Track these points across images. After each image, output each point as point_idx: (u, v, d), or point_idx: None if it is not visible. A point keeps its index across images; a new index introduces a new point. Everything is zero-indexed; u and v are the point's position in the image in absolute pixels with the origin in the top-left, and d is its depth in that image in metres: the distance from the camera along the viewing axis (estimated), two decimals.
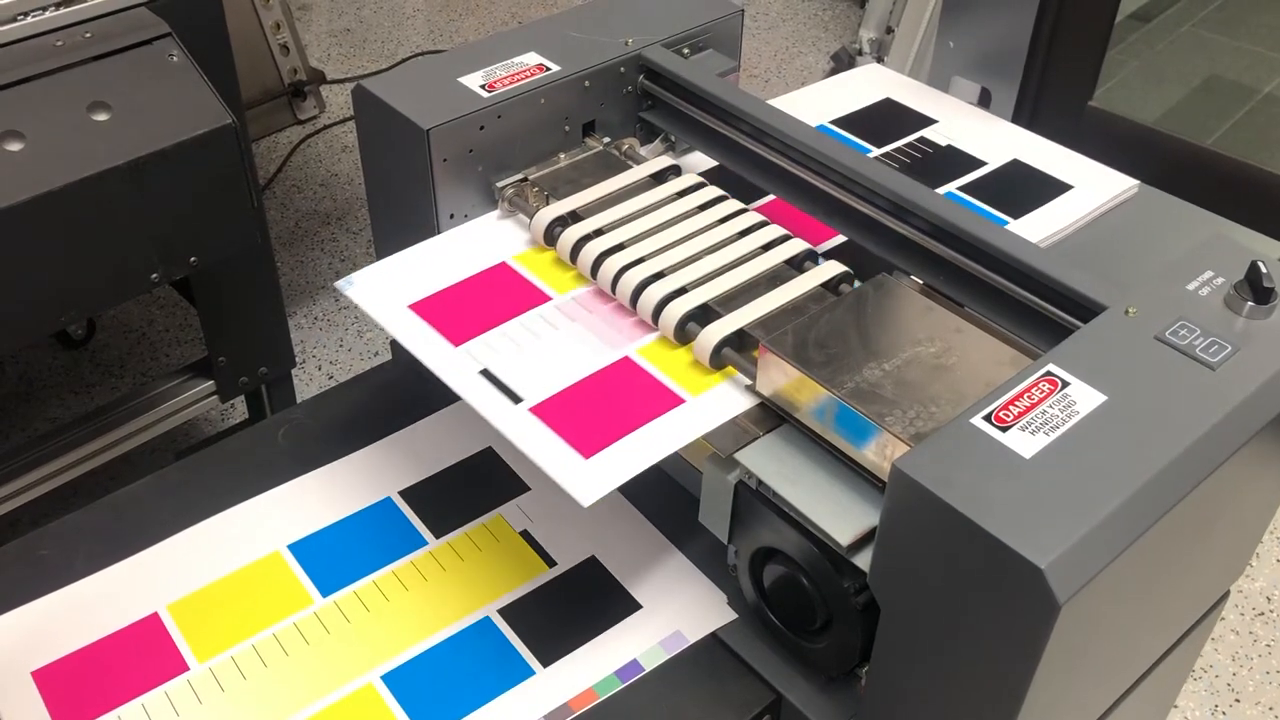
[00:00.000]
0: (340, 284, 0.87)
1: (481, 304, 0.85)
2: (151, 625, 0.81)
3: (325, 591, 0.83)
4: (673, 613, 0.81)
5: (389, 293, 0.86)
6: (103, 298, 1.19)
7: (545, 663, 0.78)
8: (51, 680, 0.77)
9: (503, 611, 0.82)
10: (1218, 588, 0.83)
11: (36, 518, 1.49)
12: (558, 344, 0.81)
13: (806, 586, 0.74)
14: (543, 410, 0.76)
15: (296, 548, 0.86)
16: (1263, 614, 1.49)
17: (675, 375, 0.79)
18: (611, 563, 0.85)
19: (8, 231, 1.00)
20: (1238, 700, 1.40)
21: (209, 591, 0.83)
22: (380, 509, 0.89)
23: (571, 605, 0.82)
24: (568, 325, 0.83)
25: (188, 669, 0.78)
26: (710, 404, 0.76)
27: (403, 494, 0.90)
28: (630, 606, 0.82)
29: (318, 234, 2.06)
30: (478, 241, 0.91)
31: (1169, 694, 0.95)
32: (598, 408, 0.76)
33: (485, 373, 0.79)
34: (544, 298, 0.85)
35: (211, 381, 1.39)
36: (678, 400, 0.77)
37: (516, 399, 0.77)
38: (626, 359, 0.80)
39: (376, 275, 0.88)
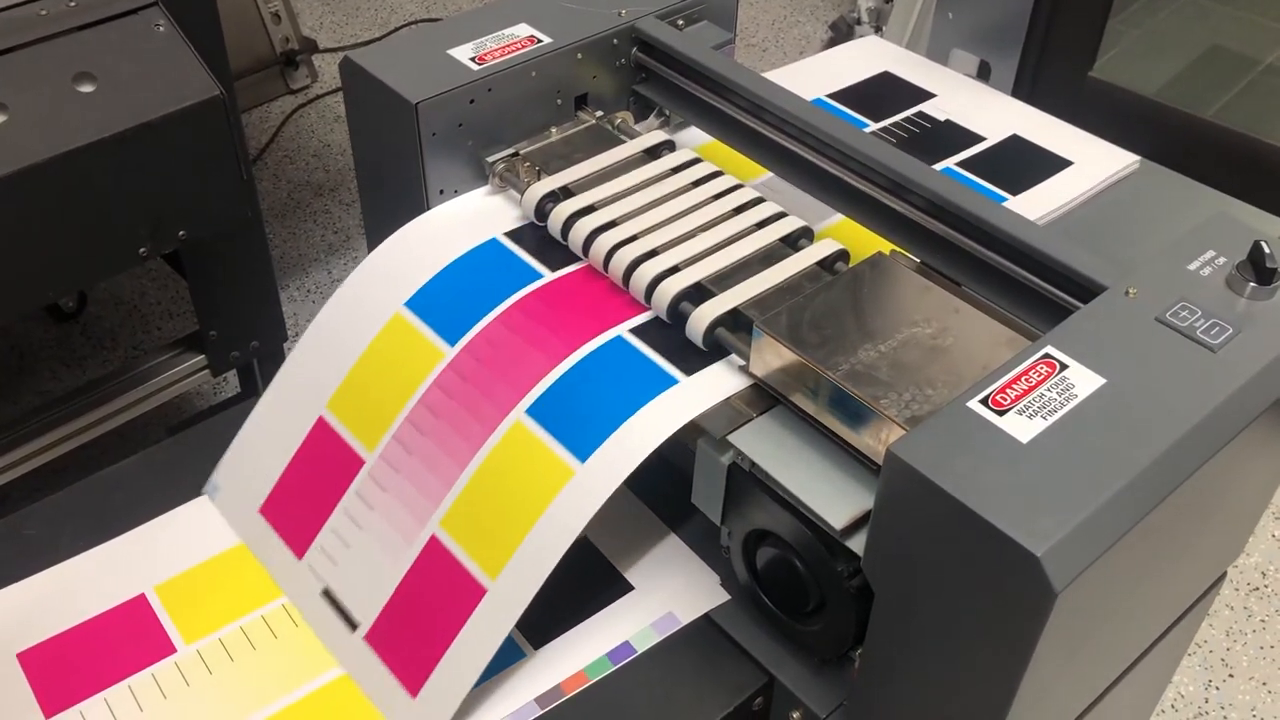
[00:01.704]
0: (207, 490, 0.87)
1: (313, 487, 0.83)
2: (138, 606, 0.80)
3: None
4: (665, 594, 0.81)
5: (244, 496, 0.85)
6: (90, 272, 1.18)
7: (536, 645, 0.78)
8: (37, 662, 0.77)
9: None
10: (1215, 569, 0.83)
11: (29, 492, 1.49)
12: (376, 533, 0.79)
13: (800, 569, 0.73)
14: (376, 635, 0.76)
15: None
16: (1257, 589, 1.49)
17: (478, 549, 0.75)
18: (604, 544, 0.84)
19: None
20: (1231, 675, 1.40)
21: (197, 572, 0.82)
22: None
23: (563, 587, 0.81)
24: (381, 500, 0.80)
25: (175, 651, 0.77)
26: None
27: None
28: (622, 588, 0.81)
29: (310, 205, 2.05)
30: (291, 402, 0.87)
31: (1165, 673, 0.94)
32: (419, 618, 0.75)
33: (326, 593, 0.79)
34: (358, 463, 0.82)
35: (203, 356, 1.38)
36: (479, 591, 0.74)
37: (353, 624, 0.77)
38: (434, 540, 0.77)
39: (233, 468, 0.87)
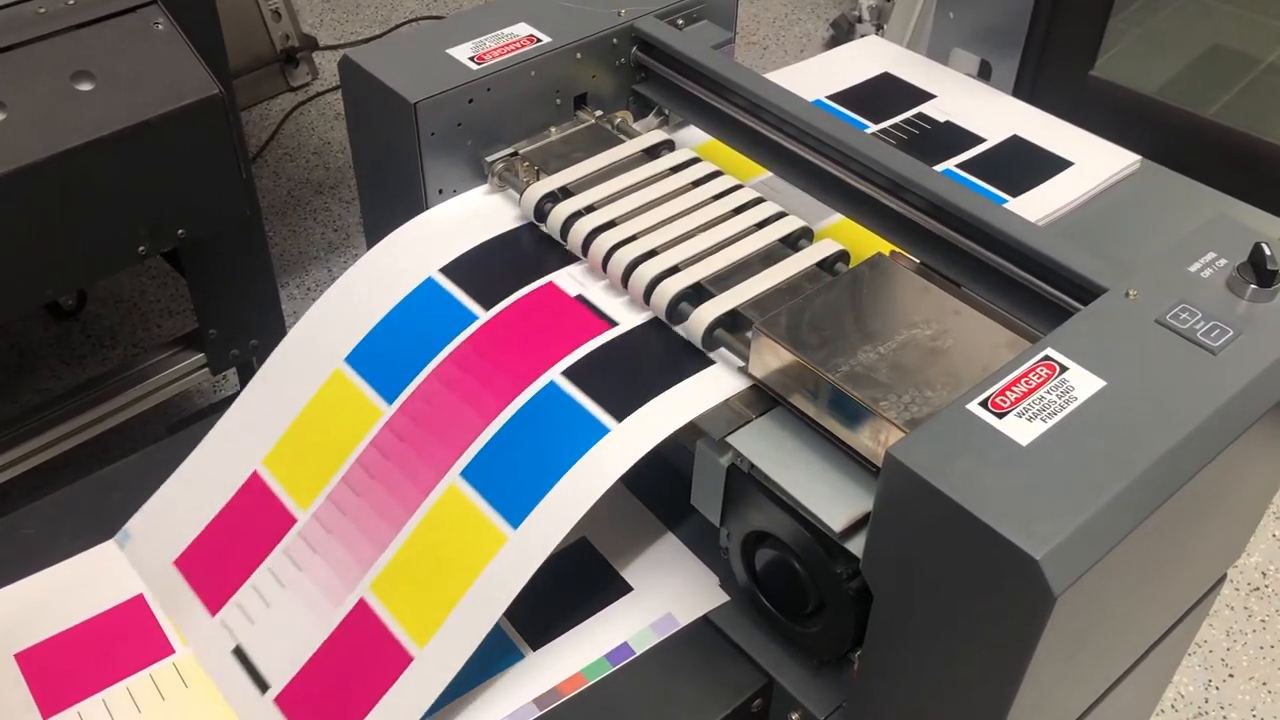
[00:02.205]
0: (118, 538, 0.85)
1: (237, 543, 0.81)
2: (136, 607, 0.80)
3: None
4: (664, 595, 0.81)
5: (159, 547, 0.83)
6: (89, 271, 1.17)
7: (534, 646, 0.78)
8: (34, 663, 0.77)
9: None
10: (1215, 571, 0.83)
11: (28, 490, 1.49)
12: (302, 593, 0.78)
13: (799, 571, 0.73)
14: (287, 699, 0.74)
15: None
16: (1257, 589, 1.49)
17: (407, 615, 0.74)
18: (602, 544, 0.84)
19: None
20: (1231, 675, 1.40)
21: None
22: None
23: (561, 587, 0.81)
24: (310, 560, 0.78)
25: (173, 652, 0.77)
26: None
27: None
28: (621, 589, 0.81)
29: (310, 203, 2.04)
30: (232, 450, 0.85)
31: (1165, 674, 0.94)
32: (336, 684, 0.73)
33: (238, 651, 0.77)
34: (290, 521, 0.80)
35: (202, 354, 1.38)
36: (405, 659, 0.72)
37: (264, 685, 0.75)
38: (362, 603, 0.75)
39: (152, 518, 0.85)
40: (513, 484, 0.74)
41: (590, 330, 0.79)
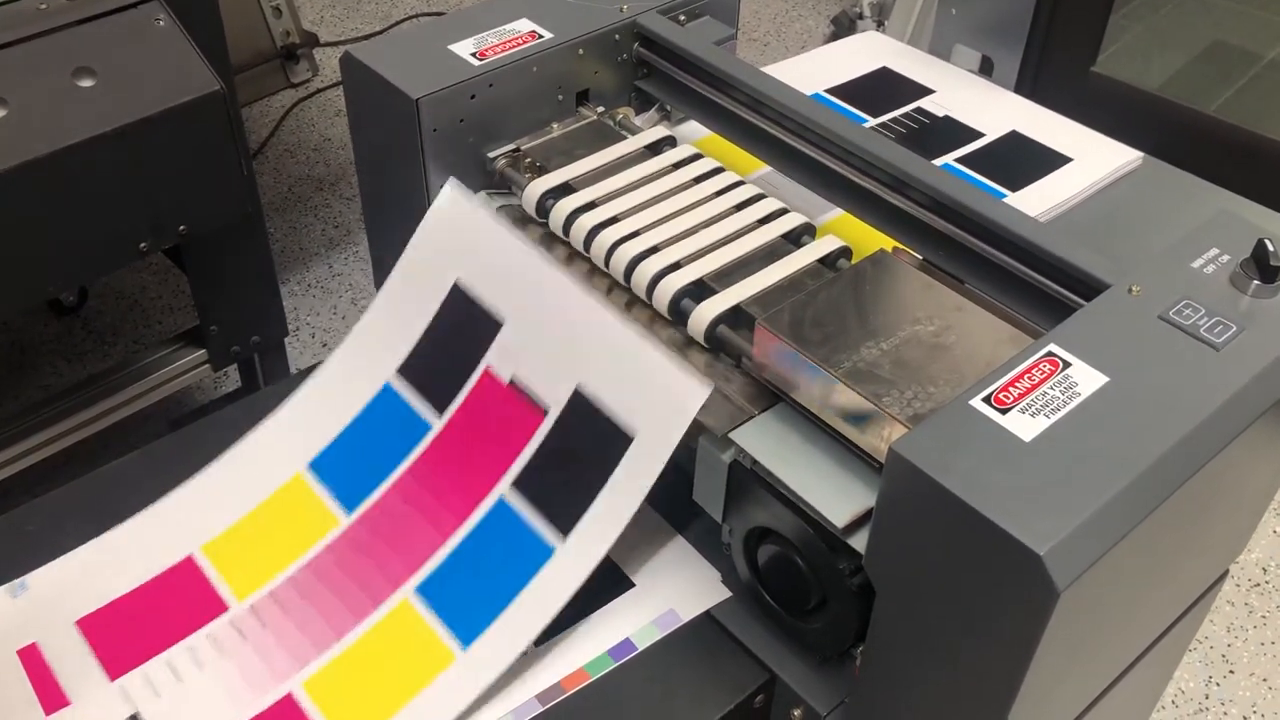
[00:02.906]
0: (12, 587, 0.81)
1: (155, 618, 0.79)
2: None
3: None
4: (667, 591, 0.81)
5: (61, 603, 0.80)
6: (90, 268, 1.17)
7: (537, 641, 0.78)
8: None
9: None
10: (1217, 567, 0.83)
11: (29, 486, 1.49)
12: (221, 676, 0.76)
13: (801, 567, 0.73)
14: None
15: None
16: (1258, 585, 1.49)
17: (337, 718, 0.73)
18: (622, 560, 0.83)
19: None
20: (1232, 671, 1.40)
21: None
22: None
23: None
24: (238, 648, 0.77)
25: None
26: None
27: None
28: (623, 584, 0.81)
29: (311, 199, 2.04)
30: (168, 530, 0.84)
31: (1166, 670, 0.94)
32: None
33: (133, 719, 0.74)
34: (220, 608, 0.79)
35: (203, 350, 1.38)
36: None
37: None
38: (289, 698, 0.74)
39: (58, 575, 0.82)
40: (465, 604, 0.76)
41: (528, 425, 0.81)
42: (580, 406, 0.79)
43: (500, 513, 0.79)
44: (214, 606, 0.79)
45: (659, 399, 0.76)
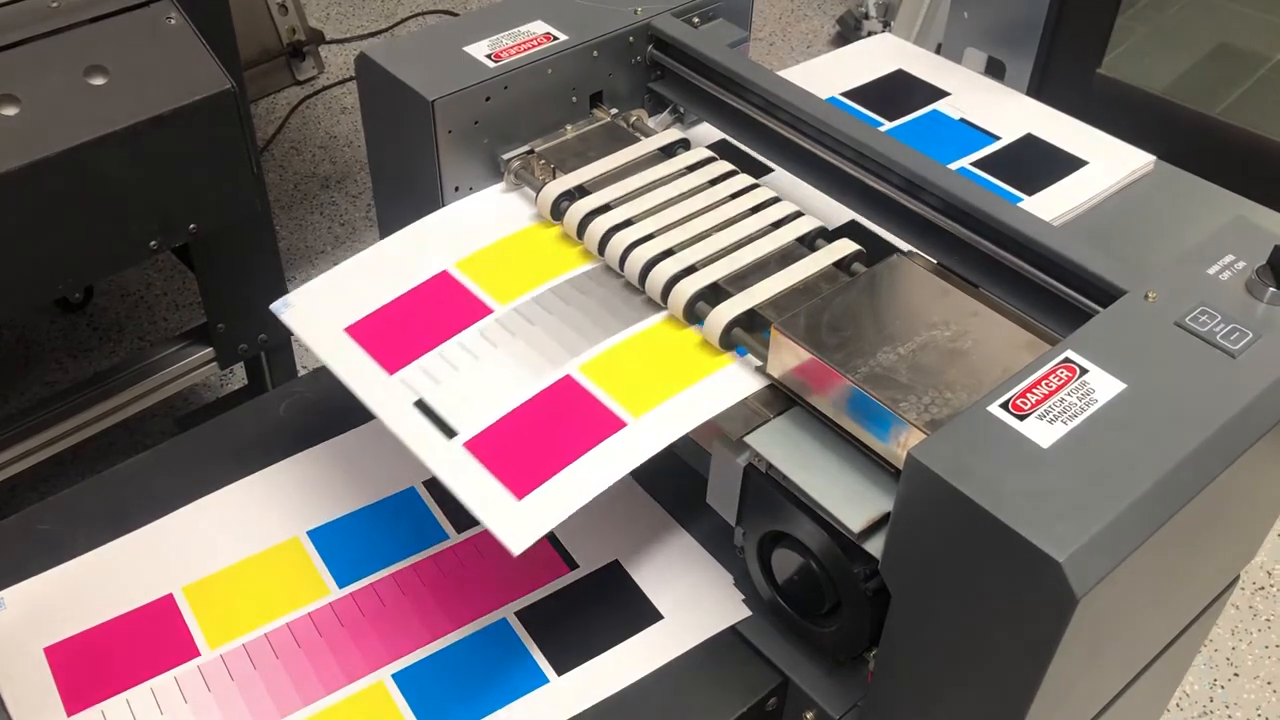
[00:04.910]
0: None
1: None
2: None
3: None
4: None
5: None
6: (100, 266, 1.17)
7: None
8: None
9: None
10: (1230, 572, 0.83)
11: (36, 483, 1.49)
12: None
13: (816, 571, 0.73)
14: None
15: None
16: (1263, 589, 1.50)
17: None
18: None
19: (1, 199, 0.98)
20: (1236, 674, 1.40)
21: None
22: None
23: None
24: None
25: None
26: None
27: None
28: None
29: (316, 197, 2.04)
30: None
31: (1176, 675, 0.94)
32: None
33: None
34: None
35: (210, 348, 1.38)
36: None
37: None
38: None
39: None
40: (443, 702, 0.75)
41: (551, 572, 0.82)
42: (616, 574, 0.81)
43: (500, 630, 0.79)
44: (186, 650, 0.78)
45: (700, 595, 0.80)
